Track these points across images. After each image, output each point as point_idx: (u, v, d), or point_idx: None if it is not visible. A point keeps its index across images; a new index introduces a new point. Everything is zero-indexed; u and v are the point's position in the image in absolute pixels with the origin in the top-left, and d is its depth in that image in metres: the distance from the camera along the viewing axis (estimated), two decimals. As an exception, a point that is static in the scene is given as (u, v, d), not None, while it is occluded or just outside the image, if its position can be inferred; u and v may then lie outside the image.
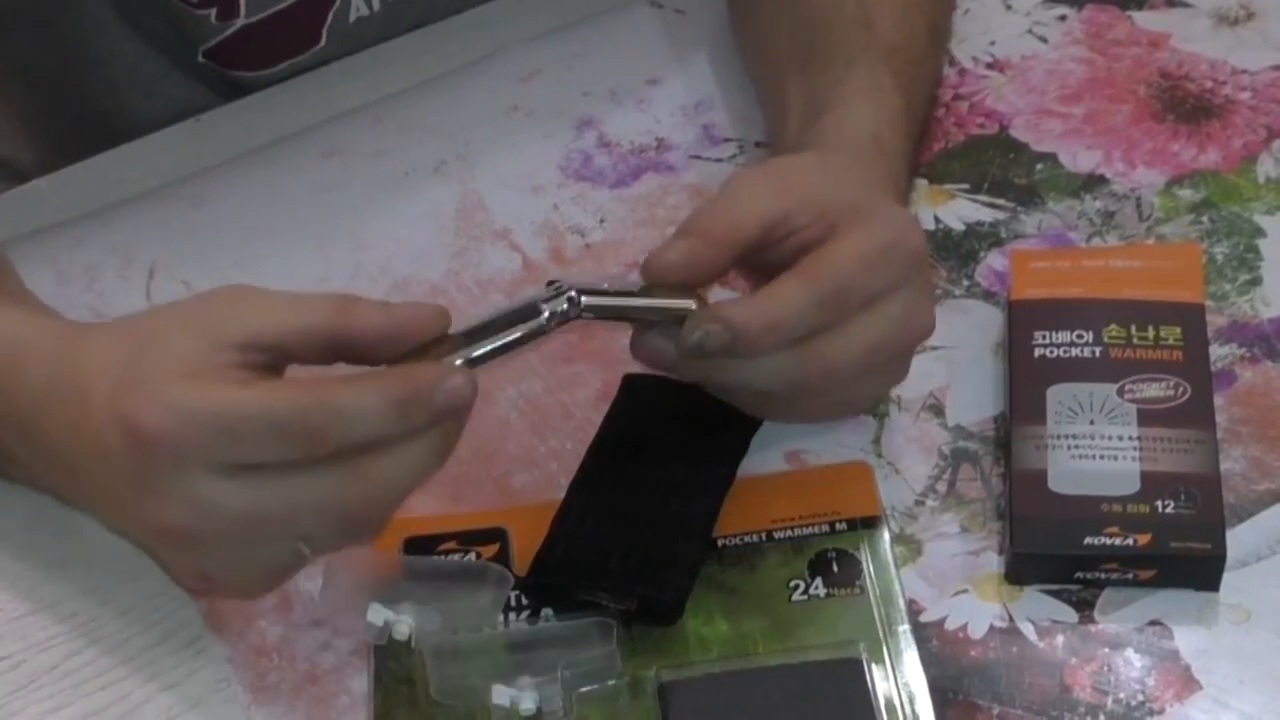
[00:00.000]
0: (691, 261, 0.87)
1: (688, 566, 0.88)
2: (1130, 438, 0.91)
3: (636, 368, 0.98)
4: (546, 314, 0.85)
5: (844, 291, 0.86)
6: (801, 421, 0.94)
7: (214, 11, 1.13)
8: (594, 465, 0.92)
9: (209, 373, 0.80)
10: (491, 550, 0.91)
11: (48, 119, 1.21)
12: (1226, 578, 0.88)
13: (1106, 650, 0.87)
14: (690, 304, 0.87)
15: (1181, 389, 0.92)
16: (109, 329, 0.87)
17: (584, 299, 0.86)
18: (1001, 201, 1.06)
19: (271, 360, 0.82)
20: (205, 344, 0.81)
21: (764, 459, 0.94)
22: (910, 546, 0.91)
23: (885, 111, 0.99)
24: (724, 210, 0.88)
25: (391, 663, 0.88)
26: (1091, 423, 0.91)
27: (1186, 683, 0.86)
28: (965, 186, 1.07)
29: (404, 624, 0.87)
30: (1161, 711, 0.85)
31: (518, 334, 0.85)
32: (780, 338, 0.86)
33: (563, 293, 0.85)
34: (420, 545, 0.91)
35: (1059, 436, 0.91)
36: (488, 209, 1.09)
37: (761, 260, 0.89)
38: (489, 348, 0.84)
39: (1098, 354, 0.94)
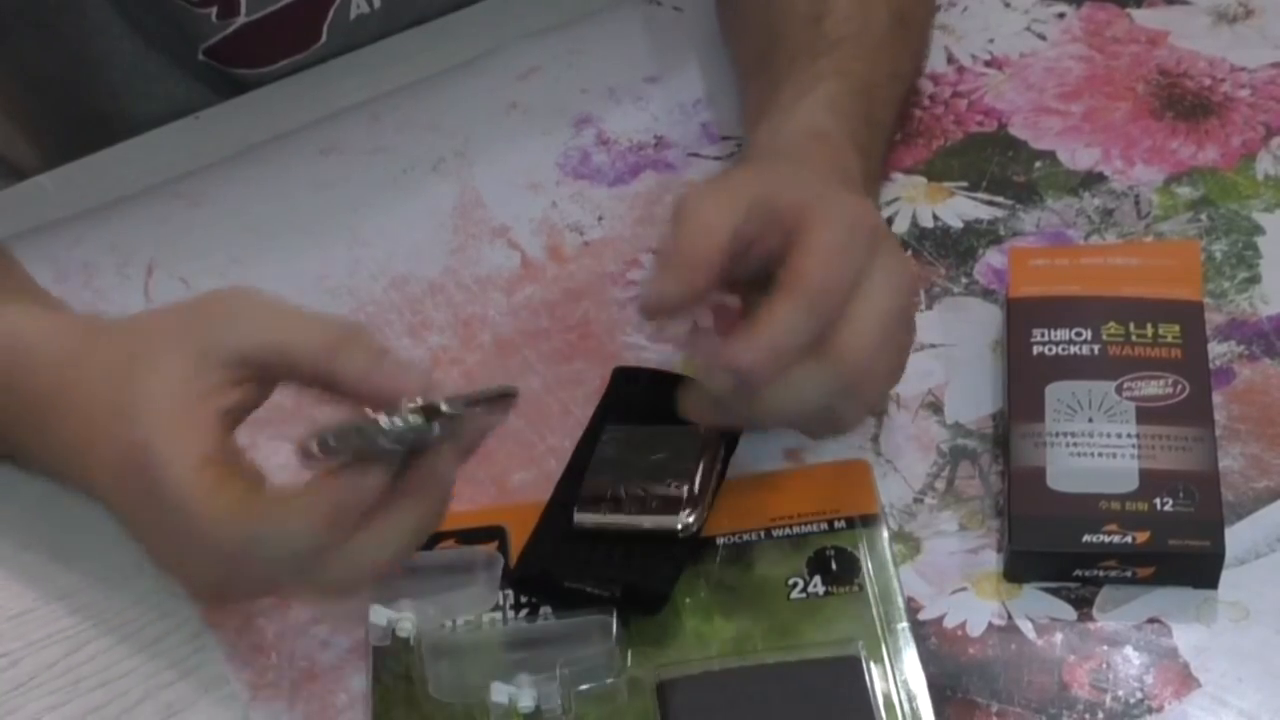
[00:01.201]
0: (686, 290, 0.86)
1: (674, 554, 0.89)
2: (1129, 435, 0.91)
3: (634, 364, 0.98)
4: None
5: (826, 291, 0.86)
6: (854, 421, 0.93)
7: (214, 10, 1.13)
8: (583, 456, 0.92)
9: (193, 404, 0.82)
10: (490, 549, 0.91)
11: (48, 118, 1.21)
12: (1225, 575, 0.88)
13: (1105, 648, 0.87)
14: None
15: (1180, 386, 0.92)
16: (110, 336, 0.88)
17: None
18: (1000, 199, 1.06)
19: (260, 376, 0.83)
20: (192, 364, 0.82)
21: (763, 457, 0.94)
22: (909, 544, 0.92)
23: (819, 99, 0.98)
24: (690, 233, 0.88)
25: (390, 661, 0.88)
26: (1090, 420, 0.91)
27: (1185, 680, 0.86)
28: (964, 184, 1.07)
29: (407, 621, 0.87)
30: (1160, 709, 0.85)
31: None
32: (785, 359, 0.85)
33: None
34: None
35: (1057, 434, 0.91)
36: (486, 206, 1.09)
37: (732, 278, 0.88)
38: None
39: (1096, 351, 0.94)
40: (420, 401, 0.79)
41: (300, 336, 0.82)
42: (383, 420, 0.78)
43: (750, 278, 0.88)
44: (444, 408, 0.79)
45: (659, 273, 0.89)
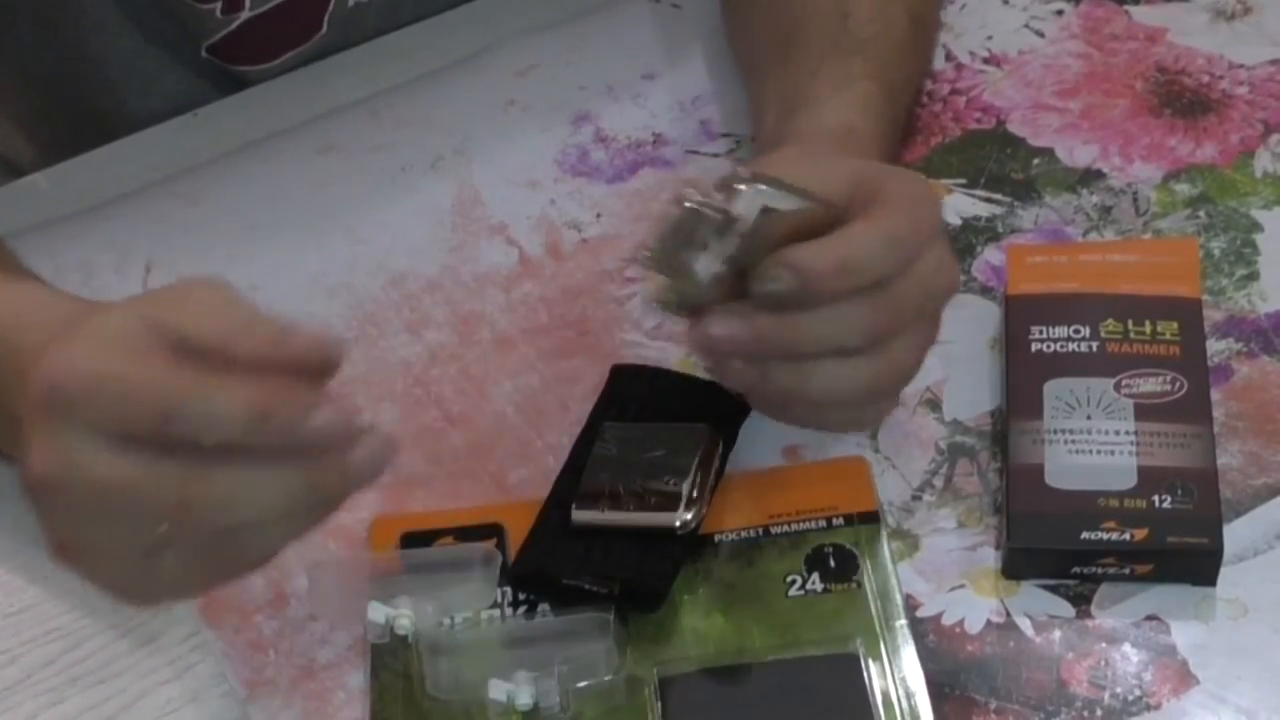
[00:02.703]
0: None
1: (672, 552, 0.89)
2: (1127, 432, 0.91)
3: (632, 361, 0.98)
4: None
5: (906, 233, 0.85)
6: (876, 422, 0.93)
7: (219, 5, 1.13)
8: (582, 453, 0.92)
9: (131, 348, 0.78)
10: (488, 545, 0.91)
11: (47, 116, 1.21)
12: (1223, 572, 0.88)
13: (1103, 645, 0.87)
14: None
15: (1178, 384, 0.92)
16: (64, 301, 0.88)
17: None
18: (998, 196, 1.06)
19: (200, 359, 0.79)
20: (141, 327, 0.78)
21: (761, 454, 0.94)
22: (907, 541, 0.92)
23: (856, 99, 0.98)
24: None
25: (388, 658, 0.88)
26: (1088, 417, 0.91)
27: (1183, 677, 0.86)
28: (962, 181, 1.07)
29: (405, 618, 0.87)
30: (1158, 706, 0.85)
31: None
32: (851, 280, 0.83)
33: None
34: (418, 541, 0.91)
35: (1056, 431, 0.91)
36: (484, 204, 1.09)
37: None
38: None
39: (1095, 349, 0.94)
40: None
41: (247, 328, 0.78)
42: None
43: None
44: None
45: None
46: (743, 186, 0.84)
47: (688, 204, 0.83)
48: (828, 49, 1.01)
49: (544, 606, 0.89)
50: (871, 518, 0.91)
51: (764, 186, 0.84)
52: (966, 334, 0.99)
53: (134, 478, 0.77)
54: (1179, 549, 0.87)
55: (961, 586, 0.90)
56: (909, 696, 0.85)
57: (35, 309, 0.89)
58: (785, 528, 0.91)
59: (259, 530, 0.78)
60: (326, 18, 1.16)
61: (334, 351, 0.78)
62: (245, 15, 1.14)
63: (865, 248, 0.84)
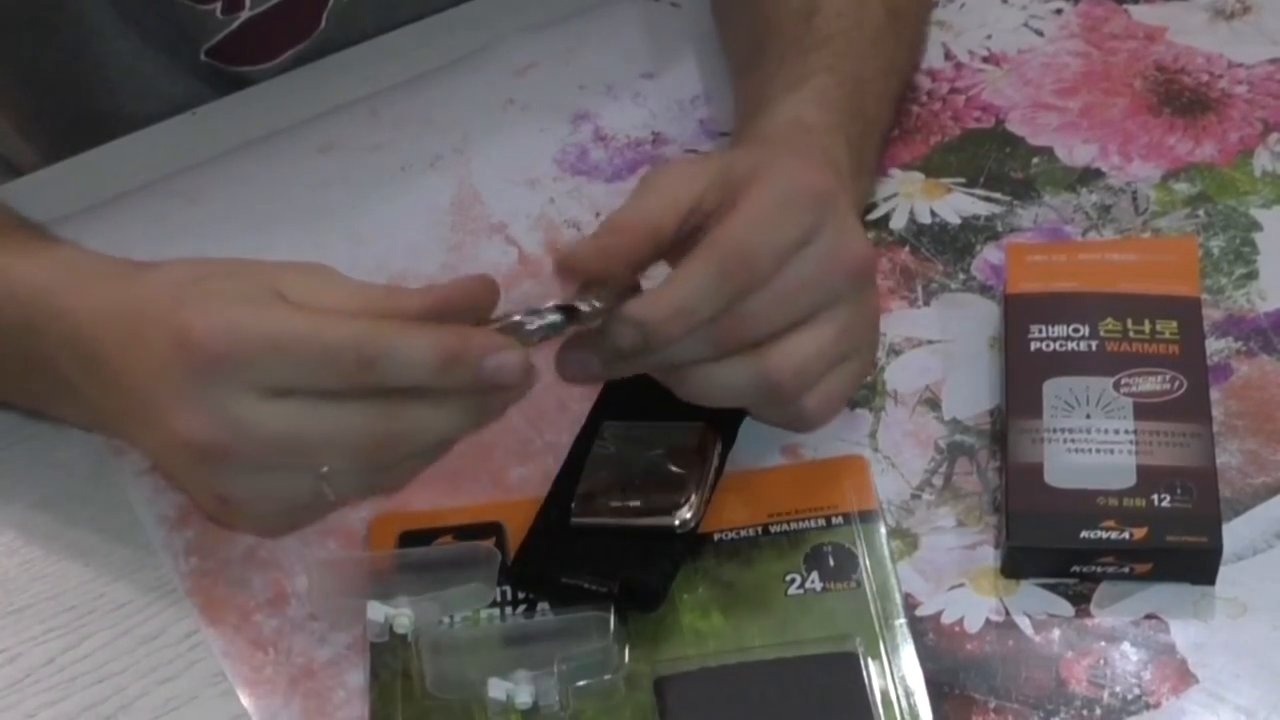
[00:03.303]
0: (601, 255, 0.86)
1: (671, 551, 0.89)
2: (1126, 431, 0.91)
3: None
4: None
5: (746, 255, 0.86)
6: (803, 424, 0.93)
7: (219, 5, 1.13)
8: (581, 452, 0.92)
9: (266, 302, 0.82)
10: (488, 544, 0.91)
11: (45, 117, 1.21)
12: (1222, 571, 0.88)
13: (1102, 644, 0.87)
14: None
15: (1178, 383, 0.92)
16: (171, 261, 0.88)
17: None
18: (997, 195, 1.06)
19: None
20: (266, 290, 0.82)
21: (760, 453, 0.94)
22: (906, 540, 0.92)
23: (807, 94, 0.98)
24: (638, 203, 0.88)
25: (388, 657, 0.88)
26: (1088, 416, 0.91)
27: (1182, 676, 0.86)
28: (961, 180, 1.07)
29: (404, 617, 0.87)
30: (1157, 705, 0.85)
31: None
32: (691, 320, 0.85)
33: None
34: (417, 540, 0.91)
35: (1055, 430, 0.91)
36: (484, 203, 1.09)
37: (685, 249, 0.88)
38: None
39: (1094, 348, 0.94)
40: (557, 302, 0.85)
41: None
42: (526, 318, 0.85)
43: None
44: (581, 307, 0.85)
45: (594, 234, 0.88)
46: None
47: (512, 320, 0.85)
48: (788, 50, 1.01)
49: (543, 605, 0.89)
50: (871, 517, 0.91)
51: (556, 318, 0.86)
52: (965, 333, 0.99)
53: (314, 427, 0.81)
54: (1178, 548, 0.87)
55: (961, 585, 0.90)
56: (908, 695, 0.85)
57: (76, 272, 0.90)
58: (784, 527, 0.91)
59: (425, 455, 0.85)
60: (325, 14, 1.16)
61: (485, 290, 0.84)
62: (246, 15, 1.14)
63: (696, 288, 0.85)
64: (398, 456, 0.84)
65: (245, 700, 0.88)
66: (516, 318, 0.85)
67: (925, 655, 0.87)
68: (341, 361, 0.80)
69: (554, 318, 0.85)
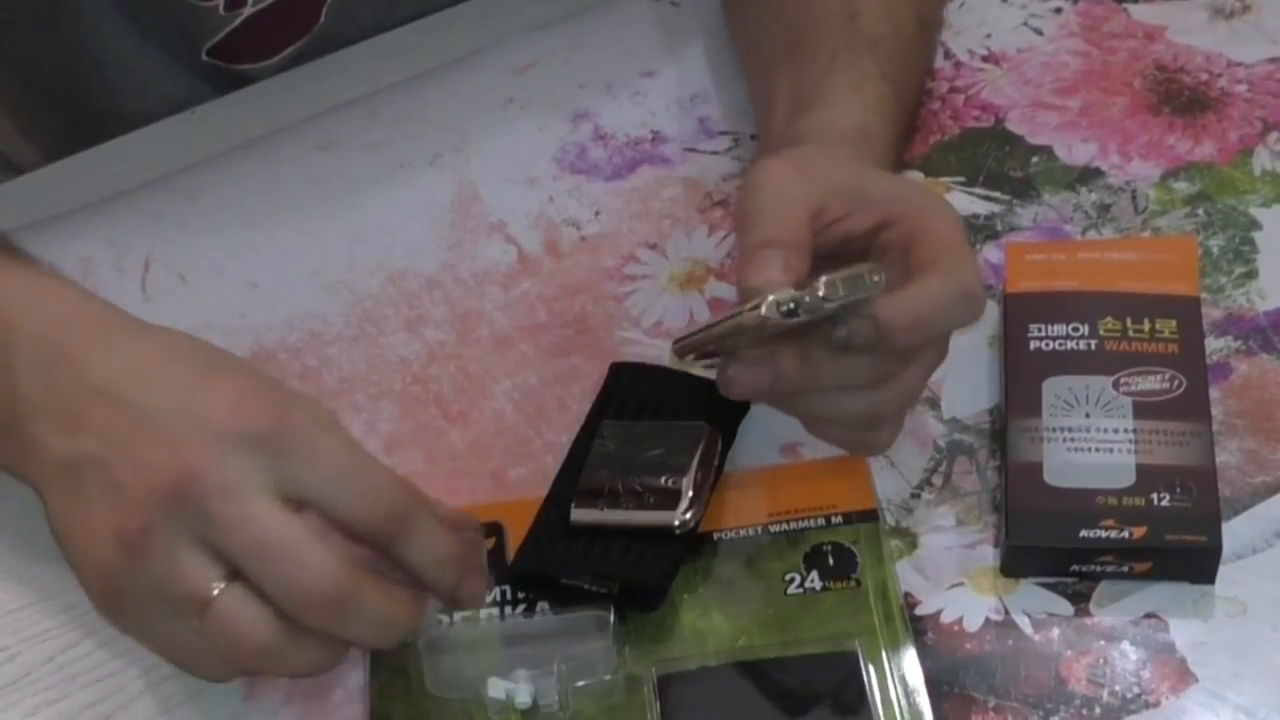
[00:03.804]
0: (791, 274, 0.85)
1: (671, 550, 0.89)
2: (1126, 430, 0.91)
3: (631, 359, 0.98)
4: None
5: (975, 282, 0.88)
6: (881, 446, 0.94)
7: (221, 3, 1.13)
8: (580, 451, 0.92)
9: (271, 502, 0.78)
10: (488, 544, 0.91)
11: (45, 116, 1.21)
12: (1222, 570, 0.88)
13: (1102, 643, 0.87)
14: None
15: (1177, 382, 0.92)
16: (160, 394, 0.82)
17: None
18: (997, 194, 1.06)
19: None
20: (269, 481, 0.78)
21: (760, 452, 0.94)
22: (906, 540, 0.92)
23: (870, 100, 0.99)
24: (778, 210, 0.88)
25: (387, 656, 0.87)
26: (1087, 415, 0.91)
27: (1182, 675, 0.86)
28: (961, 179, 1.07)
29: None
30: (1157, 704, 0.85)
31: None
32: (923, 334, 0.87)
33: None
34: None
35: (1054, 429, 0.91)
36: (483, 202, 1.09)
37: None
38: None
39: (1093, 347, 0.94)
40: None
41: (362, 510, 0.79)
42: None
43: (821, 255, 0.88)
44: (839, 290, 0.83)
45: (755, 253, 0.86)
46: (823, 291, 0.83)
47: (781, 310, 0.83)
48: (839, 47, 1.01)
49: (543, 605, 0.89)
50: (870, 516, 0.91)
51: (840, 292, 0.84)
52: (965, 332, 0.99)
53: (271, 637, 0.78)
54: (1178, 547, 0.87)
55: (960, 584, 0.90)
56: (908, 695, 0.85)
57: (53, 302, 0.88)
58: (784, 526, 0.91)
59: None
60: (325, 9, 1.16)
61: (469, 532, 0.83)
62: (249, 11, 1.14)
63: (941, 305, 0.87)
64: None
65: (244, 699, 0.88)
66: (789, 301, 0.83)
67: (925, 654, 0.87)
68: (316, 597, 0.77)
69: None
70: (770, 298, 0.83)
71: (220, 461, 0.77)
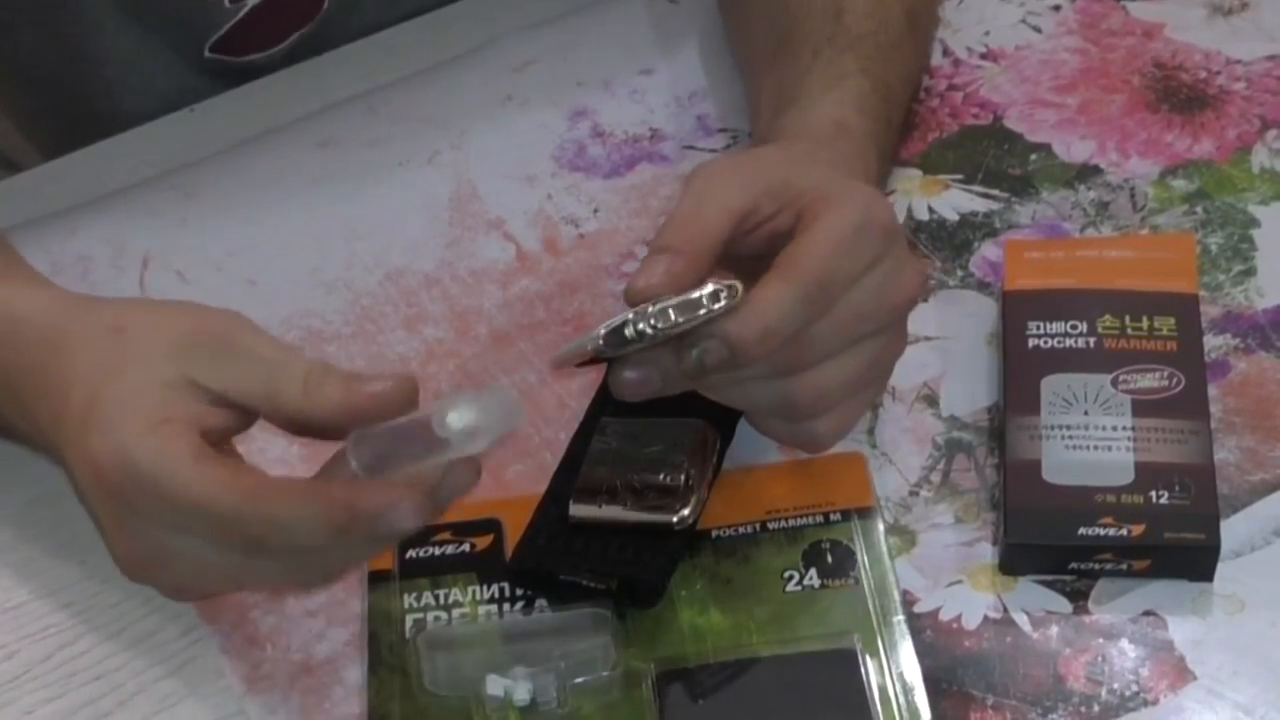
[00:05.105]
0: (673, 281, 0.85)
1: (670, 547, 0.89)
2: (1124, 428, 0.91)
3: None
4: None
5: (826, 281, 0.86)
6: (822, 432, 0.92)
7: None
8: (579, 449, 0.92)
9: (176, 418, 0.81)
10: (486, 541, 0.91)
11: (44, 114, 1.21)
12: (1220, 568, 0.88)
13: (1100, 641, 0.87)
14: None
15: (1176, 379, 0.92)
16: (96, 327, 0.86)
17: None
18: (995, 192, 1.06)
19: (239, 417, 0.83)
20: (181, 379, 0.82)
21: (758, 450, 0.94)
22: (904, 537, 0.92)
23: (848, 96, 0.98)
24: (693, 215, 0.87)
25: (386, 653, 0.87)
26: (1086, 413, 0.91)
27: (1180, 673, 0.86)
28: (959, 177, 1.07)
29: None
30: (1155, 702, 0.85)
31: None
32: (775, 342, 0.85)
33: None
34: (414, 538, 0.91)
35: (1053, 427, 0.91)
36: (481, 199, 1.09)
37: (732, 251, 0.88)
38: None
39: (1092, 344, 0.94)
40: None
41: (282, 379, 0.81)
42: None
43: (752, 254, 0.88)
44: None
45: (649, 256, 0.87)
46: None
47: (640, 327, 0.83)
48: (821, 45, 1.01)
49: (541, 602, 0.89)
50: (869, 513, 0.91)
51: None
52: (964, 330, 0.99)
53: (222, 569, 0.83)
54: (1176, 545, 0.87)
55: (959, 582, 0.90)
56: (906, 692, 0.85)
57: (27, 313, 0.89)
58: (782, 523, 0.91)
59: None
60: None
61: (405, 391, 0.81)
62: (252, 1, 1.14)
63: (784, 310, 0.84)
64: (315, 585, 0.87)
65: (243, 696, 0.88)
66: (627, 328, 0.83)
67: (923, 652, 0.87)
68: (230, 535, 0.80)
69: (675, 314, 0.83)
70: (600, 329, 0.83)
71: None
